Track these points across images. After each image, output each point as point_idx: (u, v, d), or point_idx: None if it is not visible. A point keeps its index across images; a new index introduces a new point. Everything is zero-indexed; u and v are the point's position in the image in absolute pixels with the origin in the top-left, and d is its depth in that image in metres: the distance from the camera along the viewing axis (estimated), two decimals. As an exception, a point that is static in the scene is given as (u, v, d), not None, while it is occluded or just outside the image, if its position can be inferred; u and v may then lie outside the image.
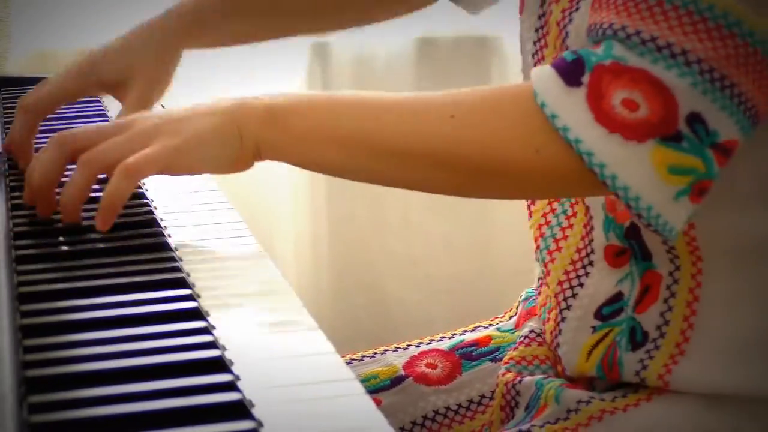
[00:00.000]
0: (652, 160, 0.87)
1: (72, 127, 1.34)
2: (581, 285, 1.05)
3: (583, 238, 1.05)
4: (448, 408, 1.15)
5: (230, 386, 0.70)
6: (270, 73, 2.25)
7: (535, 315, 1.16)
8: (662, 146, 0.87)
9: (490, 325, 1.24)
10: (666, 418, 1.00)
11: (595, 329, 1.04)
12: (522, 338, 1.15)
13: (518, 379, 1.09)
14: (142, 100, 1.20)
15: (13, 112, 1.40)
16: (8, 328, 0.75)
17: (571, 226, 1.07)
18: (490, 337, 1.21)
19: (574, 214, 1.07)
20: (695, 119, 0.88)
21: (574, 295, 1.06)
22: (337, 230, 2.34)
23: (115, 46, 1.23)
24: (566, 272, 1.07)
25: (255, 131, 0.96)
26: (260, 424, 0.67)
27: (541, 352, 1.13)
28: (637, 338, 1.01)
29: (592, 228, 1.04)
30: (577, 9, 1.01)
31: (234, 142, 0.96)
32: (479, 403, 1.15)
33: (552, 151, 0.90)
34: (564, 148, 0.89)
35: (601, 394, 1.03)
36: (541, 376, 1.09)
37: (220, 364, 0.73)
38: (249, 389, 0.70)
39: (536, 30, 1.08)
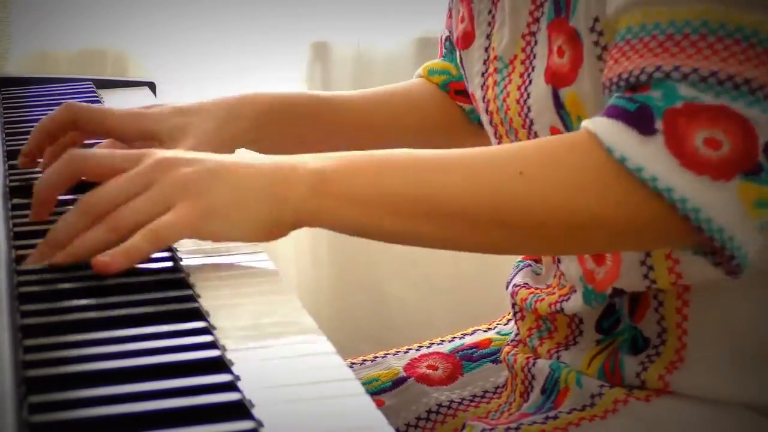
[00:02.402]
0: (741, 198, 0.85)
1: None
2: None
3: (557, 300, 1.07)
4: (451, 401, 1.15)
5: (230, 386, 0.70)
6: (270, 72, 2.25)
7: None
8: (746, 182, 0.85)
9: (489, 329, 1.25)
10: (690, 410, 1.00)
11: (599, 342, 1.05)
12: (515, 340, 1.16)
13: (532, 361, 1.09)
14: None
15: (13, 112, 1.40)
16: (8, 328, 0.75)
17: (548, 287, 1.08)
18: (489, 340, 1.22)
19: (551, 284, 1.08)
20: None
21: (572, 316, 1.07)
22: (337, 230, 2.34)
23: (180, 106, 1.16)
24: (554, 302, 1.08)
25: (299, 198, 0.89)
26: (260, 424, 0.67)
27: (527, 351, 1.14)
28: (638, 345, 1.02)
29: (566, 299, 1.06)
30: (530, 82, 1.01)
31: (275, 210, 0.89)
32: (482, 397, 1.16)
33: (633, 202, 0.86)
34: (646, 198, 0.86)
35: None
36: (555, 360, 1.09)
37: (220, 364, 0.73)
38: (249, 389, 0.70)
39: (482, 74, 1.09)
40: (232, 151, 1.15)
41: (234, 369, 0.73)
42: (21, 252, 0.93)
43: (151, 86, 1.68)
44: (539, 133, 1.01)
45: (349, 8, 2.29)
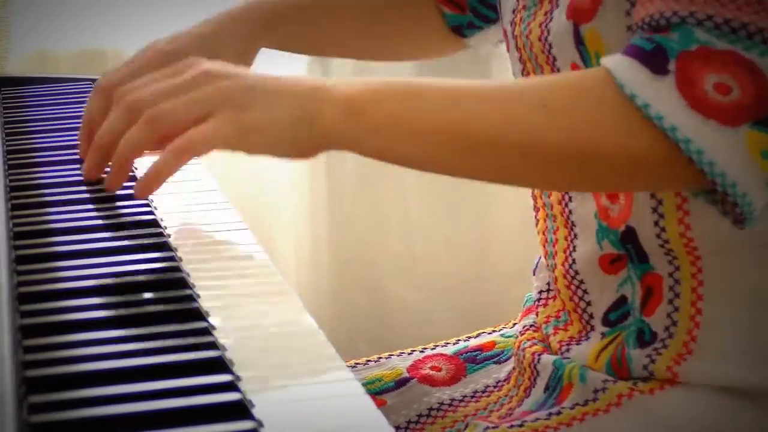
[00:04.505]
0: (747, 146, 0.86)
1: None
2: (588, 302, 1.06)
3: (565, 255, 1.06)
4: (453, 399, 1.16)
5: (230, 386, 0.70)
6: (270, 72, 2.24)
7: (532, 312, 1.17)
8: (755, 130, 0.86)
9: (494, 331, 1.25)
10: (695, 400, 1.00)
11: (604, 335, 1.05)
12: (522, 330, 1.16)
13: (537, 357, 1.10)
14: None
15: (13, 112, 1.40)
16: (8, 328, 0.75)
17: (556, 241, 1.08)
18: (494, 342, 1.22)
19: (557, 230, 1.08)
20: None
21: (585, 309, 1.07)
22: (337, 230, 2.34)
23: (201, 34, 1.18)
24: (567, 285, 1.08)
25: (329, 121, 0.91)
26: (260, 424, 0.67)
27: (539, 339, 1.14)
28: (645, 338, 1.02)
29: (573, 248, 1.05)
30: (551, 19, 1.02)
31: (304, 129, 0.92)
32: (483, 391, 1.16)
33: (645, 138, 0.88)
34: (657, 136, 0.87)
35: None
36: (558, 356, 1.09)
37: (220, 364, 0.73)
38: (249, 389, 0.70)
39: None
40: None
41: (234, 369, 0.73)
42: (21, 252, 0.93)
43: (151, 86, 1.67)
44: (561, 69, 1.02)
45: (349, 8, 2.29)
